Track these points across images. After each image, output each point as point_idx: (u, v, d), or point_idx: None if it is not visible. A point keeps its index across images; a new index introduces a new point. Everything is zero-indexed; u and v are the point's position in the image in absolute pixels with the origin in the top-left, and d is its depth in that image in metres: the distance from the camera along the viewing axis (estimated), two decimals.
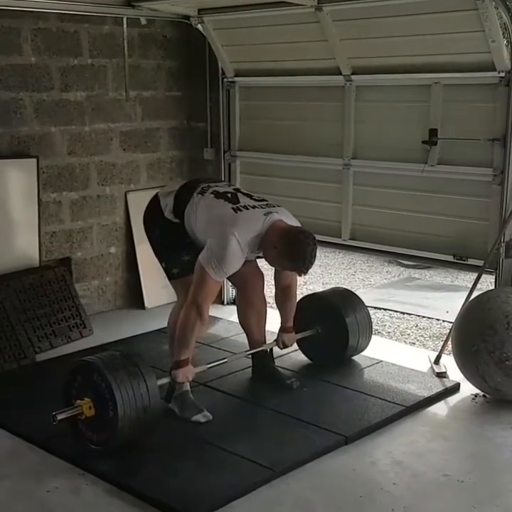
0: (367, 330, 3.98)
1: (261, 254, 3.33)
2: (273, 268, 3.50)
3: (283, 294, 3.60)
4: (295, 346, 3.91)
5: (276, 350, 3.85)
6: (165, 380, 3.24)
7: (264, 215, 3.24)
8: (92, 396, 2.98)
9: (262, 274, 3.67)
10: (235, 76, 4.94)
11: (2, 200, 4.40)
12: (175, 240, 3.38)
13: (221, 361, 3.55)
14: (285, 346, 3.72)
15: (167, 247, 3.43)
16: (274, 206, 3.35)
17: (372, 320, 4.07)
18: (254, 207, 3.29)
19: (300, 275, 3.28)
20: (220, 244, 3.12)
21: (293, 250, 3.14)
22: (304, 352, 4.04)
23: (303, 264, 3.14)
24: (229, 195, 3.35)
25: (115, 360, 3.05)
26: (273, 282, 3.61)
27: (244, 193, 3.43)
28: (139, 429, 3.02)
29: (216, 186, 3.44)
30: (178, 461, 2.99)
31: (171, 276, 3.44)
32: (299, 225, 3.35)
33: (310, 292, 4.32)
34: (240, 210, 3.24)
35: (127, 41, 4.80)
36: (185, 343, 3.19)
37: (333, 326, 3.89)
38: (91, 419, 2.98)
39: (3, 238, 4.42)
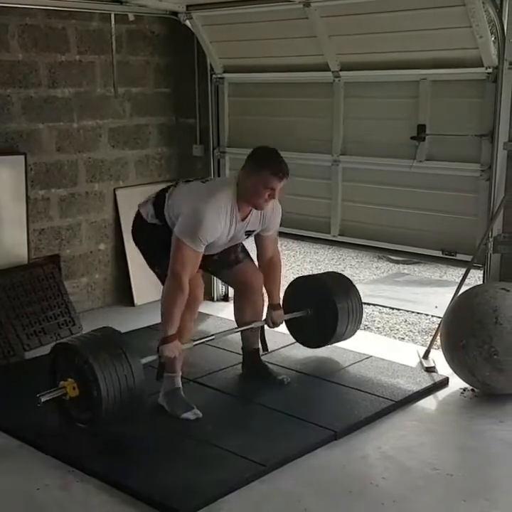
0: (357, 317, 3.95)
1: (251, 228, 3.35)
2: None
3: (268, 268, 3.60)
4: (290, 348, 3.92)
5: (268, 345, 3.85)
6: (150, 358, 3.21)
7: (233, 177, 3.30)
8: (75, 377, 2.97)
9: (261, 274, 3.64)
10: (224, 72, 4.93)
11: None
12: (163, 245, 3.35)
13: (208, 338, 3.54)
14: (274, 324, 3.68)
15: (157, 254, 3.42)
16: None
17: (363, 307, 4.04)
18: (220, 178, 3.35)
19: (283, 177, 3.22)
20: (193, 212, 3.15)
21: (259, 159, 3.21)
22: (291, 333, 4.02)
23: (276, 161, 3.19)
24: (199, 178, 3.44)
25: (97, 342, 3.04)
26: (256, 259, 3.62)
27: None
28: (124, 408, 3.01)
29: (187, 179, 3.51)
30: (169, 458, 2.99)
31: (164, 281, 3.41)
32: None
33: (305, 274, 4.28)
34: (208, 181, 3.39)
35: (115, 37, 4.78)
36: (169, 317, 3.17)
37: (323, 310, 3.85)
38: (76, 400, 2.98)
39: None
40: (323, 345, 4.01)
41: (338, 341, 4.02)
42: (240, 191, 3.25)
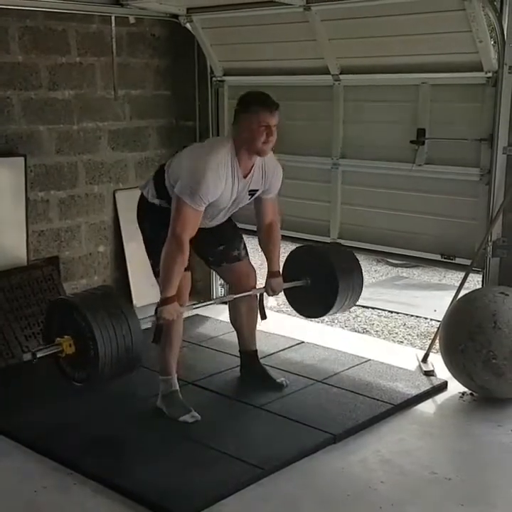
0: (357, 290, 3.84)
1: (254, 187, 3.30)
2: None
3: (267, 234, 3.54)
4: (288, 351, 3.90)
5: (262, 349, 3.86)
6: (149, 319, 3.17)
7: (229, 134, 3.30)
8: (72, 334, 2.89)
9: (254, 271, 3.65)
10: (224, 75, 4.94)
11: None
12: (164, 233, 3.35)
13: (208, 303, 3.45)
14: (274, 292, 3.62)
15: (156, 242, 3.40)
16: None
17: (363, 279, 3.90)
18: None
19: (275, 110, 3.18)
20: (193, 169, 3.11)
21: (246, 101, 3.18)
22: (289, 302, 3.94)
23: (263, 97, 3.17)
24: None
25: (96, 300, 2.98)
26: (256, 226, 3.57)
27: None
28: (121, 368, 2.95)
29: (185, 145, 3.49)
30: (167, 460, 2.99)
31: (156, 274, 3.41)
32: None
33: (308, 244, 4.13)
34: (205, 141, 3.41)
35: (115, 40, 4.79)
36: (169, 278, 3.11)
37: (323, 281, 3.75)
38: (72, 357, 2.91)
39: None
40: (321, 316, 3.94)
41: (337, 312, 3.94)
42: (237, 143, 3.18)
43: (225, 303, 3.82)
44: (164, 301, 3.14)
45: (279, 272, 3.63)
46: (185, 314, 3.50)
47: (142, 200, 3.43)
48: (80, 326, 2.87)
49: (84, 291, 3.10)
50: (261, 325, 3.79)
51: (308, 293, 3.79)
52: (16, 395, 3.61)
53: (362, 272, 3.87)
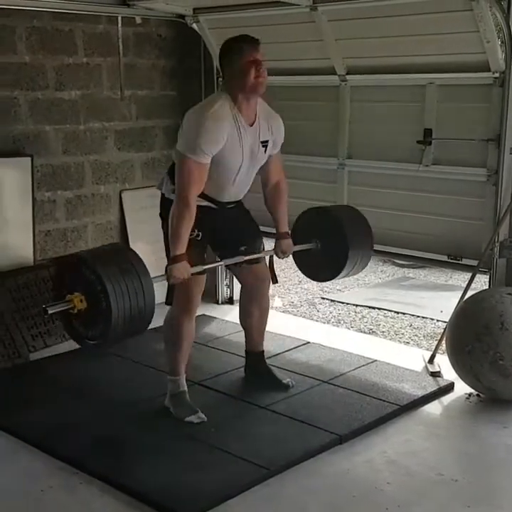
0: (367, 254, 3.79)
1: (264, 138, 3.26)
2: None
3: (274, 194, 3.50)
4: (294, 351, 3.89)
5: (268, 350, 3.85)
6: (161, 280, 3.09)
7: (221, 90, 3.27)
8: (83, 290, 2.83)
9: (269, 277, 3.60)
10: None
11: None
12: None
13: (217, 263, 3.39)
14: (284, 254, 3.57)
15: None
16: None
17: (374, 240, 3.83)
18: None
19: (257, 43, 3.16)
20: (191, 124, 3.09)
21: (226, 46, 3.17)
22: (298, 265, 3.87)
23: (241, 36, 3.16)
24: None
25: (106, 255, 2.94)
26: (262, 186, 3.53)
27: None
28: (133, 325, 2.88)
29: None
30: (173, 460, 2.99)
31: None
32: None
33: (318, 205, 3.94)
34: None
35: (122, 40, 4.79)
36: (177, 236, 3.07)
37: (333, 244, 3.67)
38: (84, 314, 2.84)
39: None
40: (330, 280, 3.89)
41: (347, 276, 3.88)
42: (232, 93, 3.15)
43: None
44: (174, 260, 3.09)
45: (288, 233, 3.56)
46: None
47: (162, 199, 3.38)
48: (89, 280, 2.80)
49: (93, 248, 3.00)
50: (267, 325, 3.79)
51: (318, 256, 3.72)
52: (22, 394, 3.62)
53: (372, 235, 3.79)
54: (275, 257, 3.60)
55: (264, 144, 3.30)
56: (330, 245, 3.69)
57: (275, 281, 3.62)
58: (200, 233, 3.23)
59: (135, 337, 3.00)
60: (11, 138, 4.44)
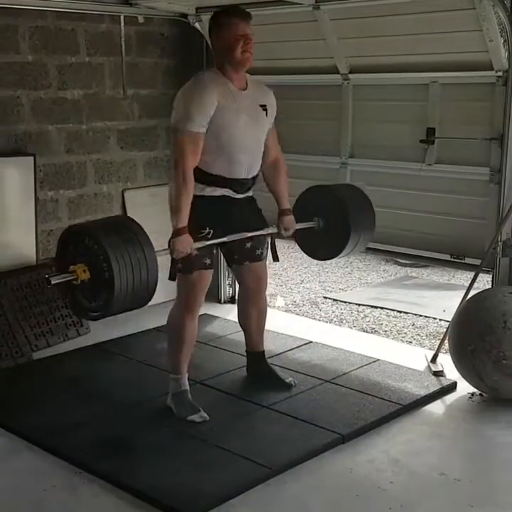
0: (369, 232, 3.75)
1: (261, 102, 3.26)
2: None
3: (273, 171, 3.47)
4: (297, 351, 3.88)
5: (270, 349, 3.84)
6: (164, 254, 3.08)
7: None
8: (85, 260, 2.81)
9: (266, 277, 3.61)
10: None
11: None
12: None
13: (221, 240, 3.32)
14: (287, 230, 3.54)
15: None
16: None
17: (376, 220, 3.77)
18: None
19: (248, 18, 3.17)
20: (180, 97, 3.13)
21: (217, 17, 3.18)
22: (299, 245, 3.85)
23: (233, 8, 3.18)
24: None
25: (108, 225, 2.93)
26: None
27: None
28: (136, 295, 2.85)
29: None
30: (175, 460, 2.99)
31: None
32: None
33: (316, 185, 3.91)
34: None
35: (124, 39, 4.78)
36: (177, 209, 3.07)
37: (336, 222, 3.64)
38: (87, 285, 2.83)
39: (0, 236, 4.41)
40: (330, 259, 3.87)
41: (347, 255, 3.84)
42: (220, 65, 3.18)
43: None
44: (176, 233, 3.09)
45: (289, 209, 3.55)
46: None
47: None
48: (92, 249, 2.79)
49: (95, 219, 2.99)
50: (269, 325, 3.79)
51: (319, 235, 3.69)
52: (25, 394, 3.62)
53: (374, 213, 3.75)
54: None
55: (263, 107, 3.30)
56: (332, 224, 3.66)
57: (276, 259, 3.59)
58: (211, 231, 3.23)
59: (138, 308, 2.95)
60: (14, 137, 4.45)
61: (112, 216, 2.99)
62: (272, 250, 3.58)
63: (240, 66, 3.18)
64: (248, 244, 3.44)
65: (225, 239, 3.30)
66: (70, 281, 2.84)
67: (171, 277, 3.21)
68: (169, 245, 3.10)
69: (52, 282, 2.82)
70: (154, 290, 2.93)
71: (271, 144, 3.43)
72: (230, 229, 3.30)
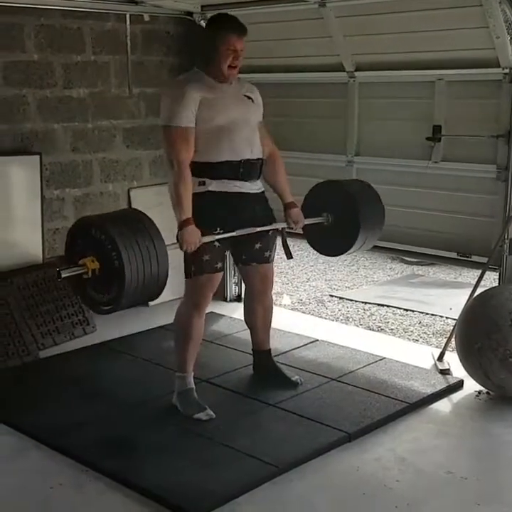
0: (378, 226, 3.73)
1: (246, 92, 3.30)
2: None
3: (270, 165, 3.45)
4: (303, 349, 3.88)
5: (277, 347, 3.84)
6: (174, 247, 3.07)
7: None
8: (95, 252, 2.82)
9: (273, 278, 3.60)
10: (238, 73, 4.92)
11: (5, 196, 4.40)
12: None
13: (230, 234, 3.29)
14: (296, 223, 3.52)
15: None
16: None
17: (385, 217, 3.77)
18: None
19: (242, 34, 3.17)
20: (164, 97, 3.21)
21: (214, 23, 3.22)
22: (308, 241, 3.84)
23: (231, 20, 3.20)
24: None
25: (116, 218, 2.94)
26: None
27: None
28: (147, 287, 2.85)
29: None
30: (181, 458, 3.00)
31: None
32: None
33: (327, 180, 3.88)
34: None
35: (130, 38, 4.79)
36: (179, 202, 3.10)
37: (344, 217, 3.63)
38: (97, 277, 2.83)
39: (7, 235, 4.43)
40: (342, 254, 3.82)
41: (357, 250, 3.83)
42: (203, 68, 3.20)
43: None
44: (182, 225, 3.09)
45: (294, 202, 3.54)
46: None
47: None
48: (101, 241, 2.79)
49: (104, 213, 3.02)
50: (275, 323, 3.79)
51: (328, 230, 3.68)
52: (31, 392, 3.63)
53: (383, 209, 3.73)
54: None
55: (248, 97, 3.33)
56: (341, 220, 3.65)
57: (290, 256, 3.59)
58: (222, 231, 3.23)
59: (149, 301, 2.96)
60: (20, 136, 4.45)
61: (122, 209, 3.01)
62: (284, 248, 3.57)
63: (223, 77, 3.22)
64: (257, 246, 3.43)
65: (234, 233, 3.28)
66: (80, 275, 2.83)
67: (187, 274, 3.23)
68: (177, 239, 3.11)
69: (63, 275, 2.82)
70: (165, 283, 2.92)
71: (264, 141, 3.42)
72: (240, 225, 3.30)
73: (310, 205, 3.66)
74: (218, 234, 3.22)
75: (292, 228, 3.54)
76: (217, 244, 3.25)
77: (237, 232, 3.29)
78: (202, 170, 3.21)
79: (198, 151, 3.18)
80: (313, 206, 3.66)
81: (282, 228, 3.51)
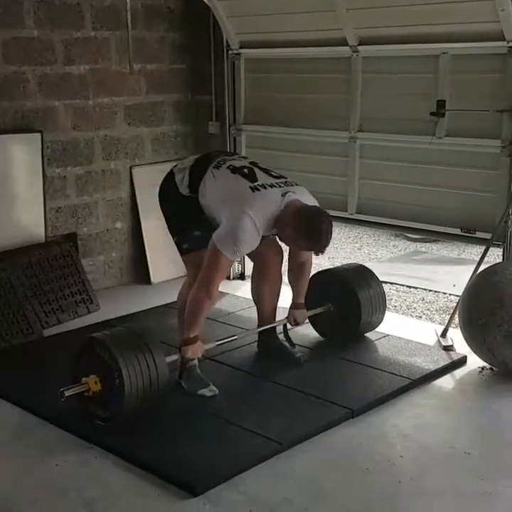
0: (381, 306, 3.91)
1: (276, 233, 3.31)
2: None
3: (297, 270, 3.56)
4: (307, 326, 3.90)
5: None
6: (174, 357, 3.24)
7: (282, 195, 3.19)
8: (97, 371, 2.98)
9: (282, 250, 3.62)
10: (240, 48, 4.88)
11: (7, 175, 4.39)
12: (188, 216, 3.34)
13: (231, 338, 3.54)
14: (296, 323, 3.70)
15: (180, 222, 3.40)
16: (292, 185, 3.30)
17: (386, 296, 4.00)
18: (272, 185, 3.22)
19: (317, 254, 3.29)
20: (236, 225, 3.08)
21: (308, 229, 3.11)
22: (316, 329, 3.99)
23: (319, 243, 3.13)
24: (246, 170, 3.28)
25: (121, 335, 3.07)
26: (288, 258, 3.59)
27: (261, 168, 3.34)
28: (146, 402, 3.02)
29: (232, 160, 3.37)
30: (186, 435, 3.01)
31: (181, 251, 3.42)
32: (316, 204, 3.30)
33: (323, 268, 4.23)
34: (258, 190, 3.18)
35: (130, 13, 4.73)
36: (194, 321, 3.20)
37: (345, 303, 3.84)
38: (98, 395, 2.98)
39: (9, 214, 4.42)
40: (350, 339, 3.92)
41: (365, 332, 3.97)
42: (280, 219, 3.16)
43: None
44: (188, 341, 3.21)
45: (303, 304, 3.68)
46: None
47: (170, 182, 3.37)
48: (104, 359, 2.97)
49: (109, 329, 3.22)
50: (279, 301, 3.78)
51: (334, 317, 3.89)
52: (36, 370, 3.64)
53: (384, 293, 3.97)
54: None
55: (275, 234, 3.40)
56: (343, 307, 3.86)
57: (292, 345, 3.74)
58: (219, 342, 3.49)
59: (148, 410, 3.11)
60: (20, 114, 4.43)
61: (126, 328, 3.28)
62: (285, 337, 3.74)
63: (282, 241, 3.34)
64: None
65: (235, 337, 3.56)
66: (82, 393, 2.98)
67: (181, 377, 3.36)
68: (180, 351, 3.23)
69: (66, 395, 2.97)
70: (163, 399, 3.11)
71: (302, 252, 3.46)
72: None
73: (313, 294, 3.76)
74: (199, 236, 3.31)
75: (291, 325, 3.71)
76: (197, 233, 3.32)
77: (238, 335, 3.59)
78: (194, 192, 3.31)
79: (212, 200, 3.26)
80: (316, 295, 3.80)
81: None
